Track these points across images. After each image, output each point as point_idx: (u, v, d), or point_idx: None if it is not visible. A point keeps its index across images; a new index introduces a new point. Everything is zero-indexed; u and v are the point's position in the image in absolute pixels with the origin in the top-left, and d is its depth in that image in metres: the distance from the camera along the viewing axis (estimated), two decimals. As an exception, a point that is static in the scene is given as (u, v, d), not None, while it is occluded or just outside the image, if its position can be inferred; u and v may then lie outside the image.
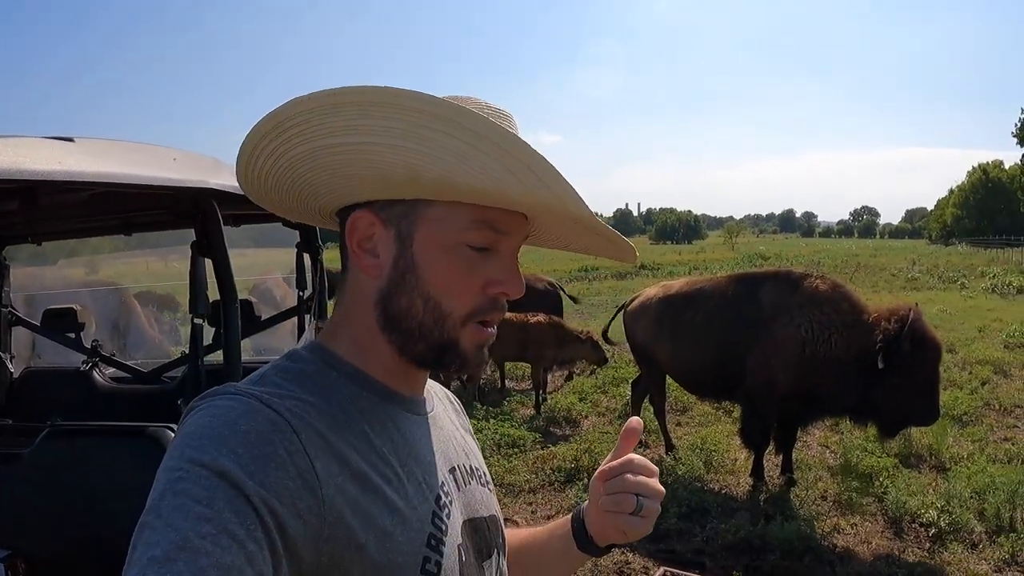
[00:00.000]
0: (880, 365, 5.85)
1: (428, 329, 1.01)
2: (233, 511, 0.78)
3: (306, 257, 4.07)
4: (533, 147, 0.88)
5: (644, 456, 1.17)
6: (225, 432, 0.84)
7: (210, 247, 3.07)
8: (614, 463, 1.15)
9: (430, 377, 1.19)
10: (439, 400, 1.24)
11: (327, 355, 1.04)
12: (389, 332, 1.03)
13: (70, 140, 2.31)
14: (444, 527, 1.02)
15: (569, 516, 1.28)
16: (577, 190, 0.91)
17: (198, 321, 3.19)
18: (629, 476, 1.12)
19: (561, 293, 12.12)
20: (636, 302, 8.08)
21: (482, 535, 1.14)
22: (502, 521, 1.24)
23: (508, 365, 11.39)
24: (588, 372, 11.01)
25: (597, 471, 1.18)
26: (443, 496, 1.05)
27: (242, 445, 0.83)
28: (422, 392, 1.14)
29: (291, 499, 0.83)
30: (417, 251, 1.00)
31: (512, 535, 1.33)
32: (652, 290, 8.05)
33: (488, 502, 1.20)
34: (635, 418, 1.20)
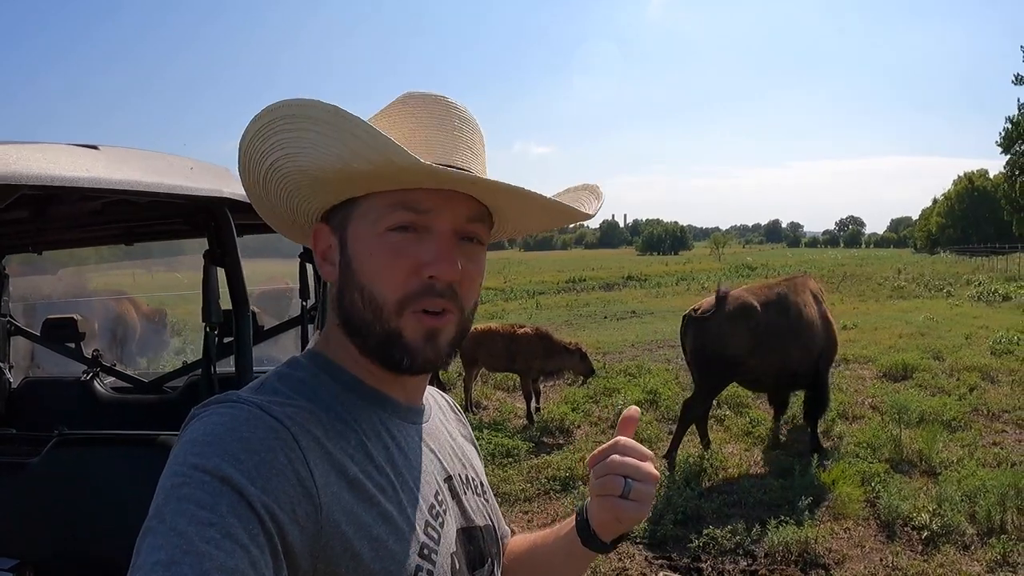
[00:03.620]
0: None
1: (369, 322, 1.01)
2: (236, 516, 0.79)
3: (309, 267, 4.08)
4: (353, 113, 0.90)
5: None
6: (227, 439, 0.86)
7: (223, 256, 3.09)
8: (604, 446, 1.12)
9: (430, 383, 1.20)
10: (439, 408, 1.26)
11: (325, 363, 1.06)
12: (348, 334, 1.04)
13: (95, 148, 2.34)
14: (437, 536, 1.03)
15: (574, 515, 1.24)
16: (402, 146, 0.90)
17: (210, 330, 3.20)
18: (616, 457, 1.08)
19: None
20: (733, 309, 7.70)
21: (476, 544, 1.14)
22: (498, 530, 1.24)
23: (500, 376, 11.43)
24: (579, 383, 11.00)
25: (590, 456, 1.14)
26: (437, 506, 1.06)
27: (244, 452, 0.84)
28: (420, 400, 1.16)
29: (291, 506, 0.84)
30: (350, 246, 1.02)
31: (521, 539, 1.35)
32: (731, 298, 7.83)
33: (484, 511, 1.21)
34: (633, 407, 1.18)
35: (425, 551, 0.99)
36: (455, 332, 1.05)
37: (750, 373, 7.82)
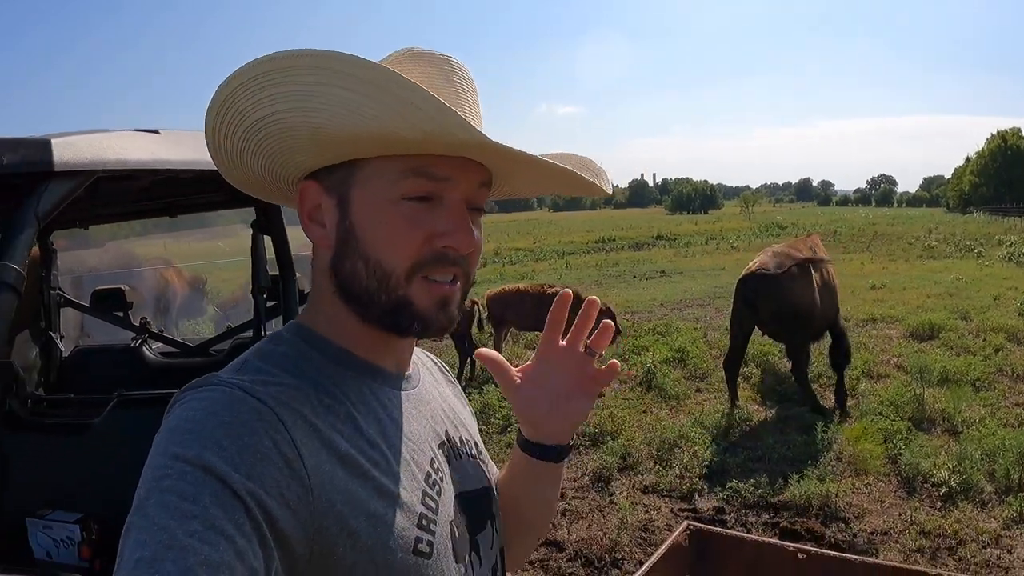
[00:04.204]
0: None
1: (374, 291, 0.98)
2: (220, 506, 0.76)
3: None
4: (410, 79, 0.84)
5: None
6: (208, 425, 0.82)
7: (270, 225, 3.26)
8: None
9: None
10: (427, 371, 1.23)
11: (308, 335, 1.02)
12: (346, 301, 1.01)
13: (156, 132, 2.51)
14: (435, 505, 1.01)
15: (517, 446, 1.23)
16: (464, 116, 0.85)
17: (259, 294, 3.37)
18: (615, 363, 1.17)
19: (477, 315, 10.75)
20: (796, 266, 8.01)
21: (475, 508, 1.13)
22: (495, 491, 1.23)
23: (531, 336, 11.75)
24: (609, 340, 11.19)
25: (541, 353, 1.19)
26: (432, 474, 1.04)
27: (227, 438, 0.81)
28: (408, 365, 1.13)
29: (279, 490, 0.82)
30: (355, 213, 0.97)
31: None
32: (776, 257, 8.16)
33: (480, 474, 1.19)
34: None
35: (424, 522, 0.98)
36: (462, 297, 1.05)
37: (817, 326, 8.17)
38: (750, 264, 8.26)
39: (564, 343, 1.19)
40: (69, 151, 2.01)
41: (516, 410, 1.19)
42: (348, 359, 1.02)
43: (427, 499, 1.00)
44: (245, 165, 1.01)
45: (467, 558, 1.06)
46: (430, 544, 0.97)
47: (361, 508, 0.90)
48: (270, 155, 0.98)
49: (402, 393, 1.08)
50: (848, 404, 8.11)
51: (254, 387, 0.88)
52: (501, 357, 1.18)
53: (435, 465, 1.05)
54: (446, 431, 1.15)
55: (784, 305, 7.88)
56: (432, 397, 1.17)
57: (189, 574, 0.70)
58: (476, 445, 1.23)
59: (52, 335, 4.63)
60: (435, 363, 1.32)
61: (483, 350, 1.20)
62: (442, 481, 1.05)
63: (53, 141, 1.97)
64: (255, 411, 0.85)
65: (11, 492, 3.46)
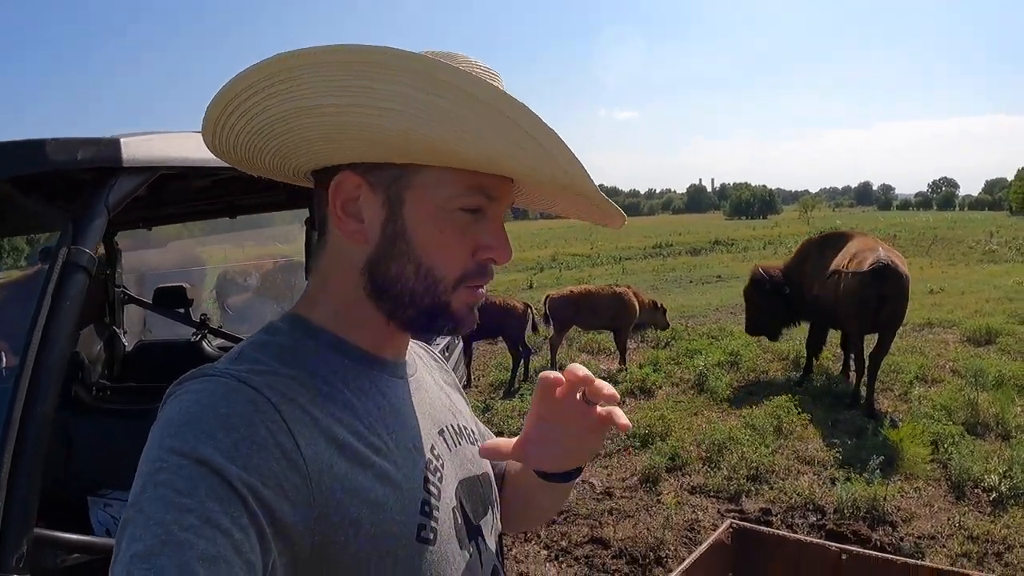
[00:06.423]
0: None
1: (419, 295, 0.98)
2: (216, 500, 0.76)
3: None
4: (536, 113, 0.83)
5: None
6: (204, 417, 0.82)
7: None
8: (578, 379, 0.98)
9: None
10: (421, 359, 1.22)
11: (305, 325, 1.01)
12: (378, 299, 1.00)
13: None
14: (437, 491, 1.01)
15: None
16: (580, 159, 0.86)
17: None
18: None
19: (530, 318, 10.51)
20: (902, 265, 8.17)
21: (476, 494, 1.13)
22: (493, 477, 1.22)
23: (585, 339, 11.97)
24: (663, 344, 11.66)
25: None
26: (433, 460, 1.03)
27: (222, 429, 0.81)
28: (405, 355, 1.12)
29: (277, 481, 0.81)
30: (408, 216, 0.96)
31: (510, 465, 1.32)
32: (879, 251, 8.21)
33: (480, 460, 1.18)
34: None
35: (427, 508, 0.97)
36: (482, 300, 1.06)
37: None
38: (868, 259, 8.10)
39: (559, 393, 1.00)
40: (136, 148, 2.16)
41: (530, 465, 1.09)
42: (347, 349, 1.01)
43: (429, 485, 1.00)
44: (266, 140, 0.97)
45: (470, 544, 1.06)
46: (434, 530, 0.97)
47: (362, 496, 0.89)
48: (320, 138, 0.93)
49: (400, 381, 1.08)
50: (900, 408, 8.06)
51: (250, 377, 0.87)
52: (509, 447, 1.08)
53: (435, 452, 1.05)
54: (445, 418, 1.15)
55: (904, 302, 8.13)
56: (429, 385, 1.18)
57: (185, 569, 0.71)
58: (474, 431, 1.23)
59: (116, 330, 4.83)
60: (427, 351, 1.31)
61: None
62: (443, 467, 1.05)
63: (122, 140, 2.12)
64: (251, 401, 0.84)
65: (76, 470, 3.65)
